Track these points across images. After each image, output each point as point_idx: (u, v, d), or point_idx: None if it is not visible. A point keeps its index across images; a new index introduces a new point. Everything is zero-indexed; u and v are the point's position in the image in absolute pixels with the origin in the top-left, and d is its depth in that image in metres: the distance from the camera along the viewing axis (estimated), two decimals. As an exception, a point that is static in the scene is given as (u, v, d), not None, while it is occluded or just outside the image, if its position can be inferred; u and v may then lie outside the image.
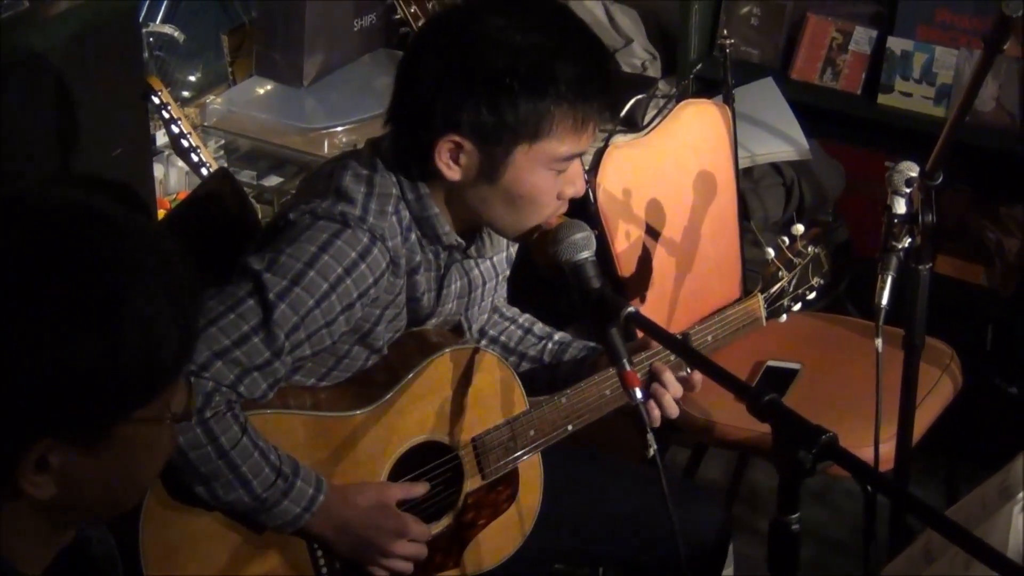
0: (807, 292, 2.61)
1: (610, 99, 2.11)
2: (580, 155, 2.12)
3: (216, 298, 2.00)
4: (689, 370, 2.30)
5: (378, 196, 2.09)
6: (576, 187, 2.14)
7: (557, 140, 2.05)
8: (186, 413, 1.42)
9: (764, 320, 2.55)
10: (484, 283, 2.30)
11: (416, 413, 2.16)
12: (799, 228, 2.56)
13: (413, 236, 2.13)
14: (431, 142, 2.06)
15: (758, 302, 2.54)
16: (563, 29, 2.07)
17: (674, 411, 2.28)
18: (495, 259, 2.31)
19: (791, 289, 2.57)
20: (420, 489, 2.18)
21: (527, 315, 2.50)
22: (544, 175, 2.08)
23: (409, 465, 2.18)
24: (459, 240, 2.17)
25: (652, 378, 2.28)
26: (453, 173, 2.07)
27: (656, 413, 2.26)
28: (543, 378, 2.40)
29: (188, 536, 2.05)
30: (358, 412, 2.12)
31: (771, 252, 2.55)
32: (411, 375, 2.14)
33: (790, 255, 2.55)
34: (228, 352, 1.97)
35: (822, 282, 2.63)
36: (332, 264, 2.03)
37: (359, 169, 2.12)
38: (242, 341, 1.98)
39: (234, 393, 1.98)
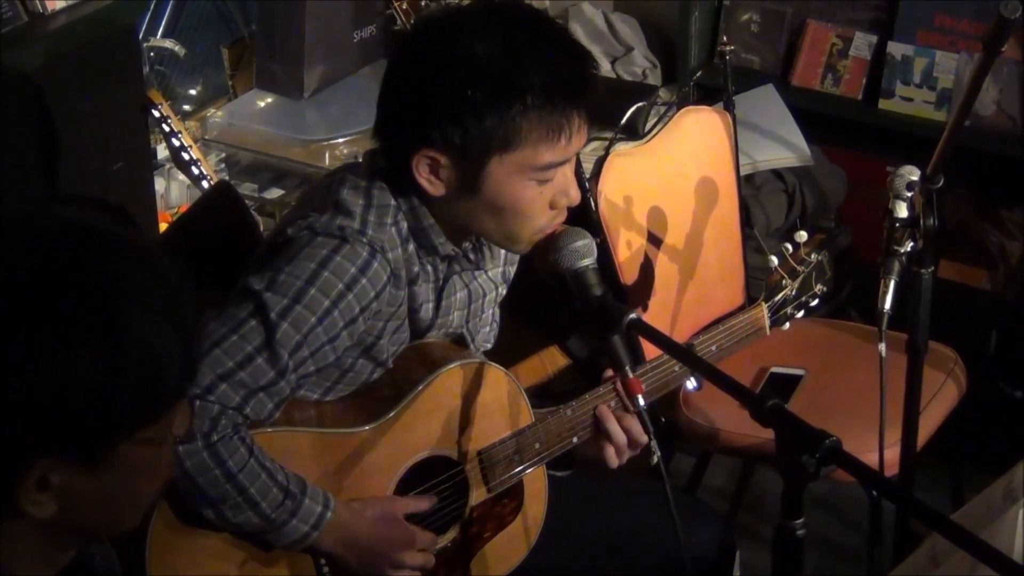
0: (810, 299, 2.60)
1: (586, 104, 2.04)
2: (562, 163, 2.07)
3: (218, 320, 1.99)
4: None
5: (376, 207, 2.08)
6: (570, 196, 2.10)
7: (531, 150, 2.02)
8: (188, 435, 1.41)
9: (768, 329, 2.54)
10: (484, 295, 2.29)
11: (422, 428, 2.15)
12: (803, 235, 2.55)
13: (411, 247, 2.12)
14: (407, 158, 2.05)
15: (762, 311, 2.53)
16: (531, 36, 2.03)
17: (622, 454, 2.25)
18: (491, 272, 2.29)
19: (794, 297, 2.57)
20: (426, 503, 2.17)
21: None
22: (525, 185, 2.05)
23: (415, 479, 2.18)
24: (455, 250, 2.15)
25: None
26: (435, 188, 2.06)
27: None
28: None
29: (194, 555, 2.05)
30: (364, 428, 2.11)
31: (775, 260, 2.54)
32: (417, 390, 2.13)
33: (793, 263, 2.54)
34: (232, 374, 1.96)
35: (825, 289, 2.62)
36: (333, 280, 2.01)
37: (357, 181, 2.10)
38: (246, 362, 1.97)
39: (240, 415, 1.97)
